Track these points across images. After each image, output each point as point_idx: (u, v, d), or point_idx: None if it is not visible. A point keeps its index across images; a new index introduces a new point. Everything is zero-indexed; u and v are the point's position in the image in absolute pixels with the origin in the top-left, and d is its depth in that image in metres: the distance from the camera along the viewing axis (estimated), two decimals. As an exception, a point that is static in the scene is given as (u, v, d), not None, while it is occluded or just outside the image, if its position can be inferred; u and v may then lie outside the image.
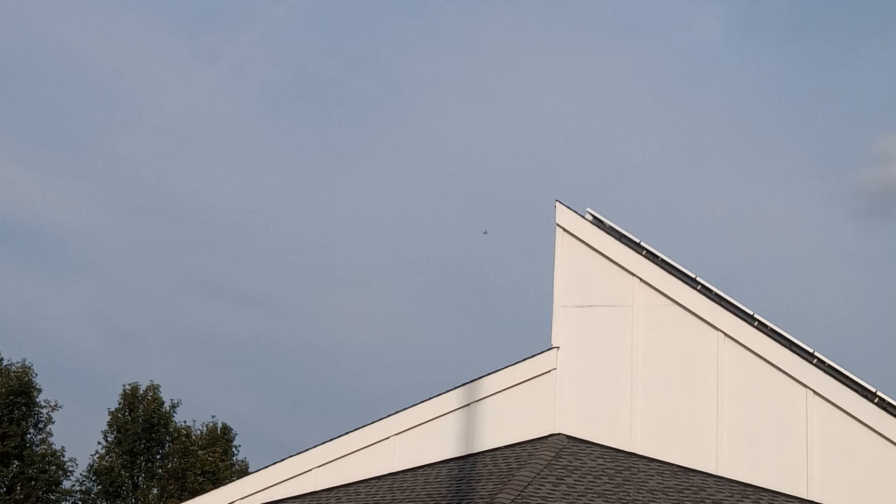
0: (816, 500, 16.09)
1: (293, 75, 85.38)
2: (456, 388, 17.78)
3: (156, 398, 47.97)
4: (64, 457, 46.06)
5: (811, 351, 17.61)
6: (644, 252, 17.91)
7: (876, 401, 16.93)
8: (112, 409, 47.69)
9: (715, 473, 16.56)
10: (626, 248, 17.74)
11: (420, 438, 17.75)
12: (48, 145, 78.67)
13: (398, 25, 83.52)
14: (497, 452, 17.26)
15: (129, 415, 47.54)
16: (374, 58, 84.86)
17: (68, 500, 46.48)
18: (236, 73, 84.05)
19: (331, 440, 18.08)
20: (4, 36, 76.83)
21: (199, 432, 49.28)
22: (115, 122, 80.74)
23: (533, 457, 16.44)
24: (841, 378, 17.11)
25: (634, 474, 16.26)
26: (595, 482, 15.83)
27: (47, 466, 45.14)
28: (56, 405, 46.37)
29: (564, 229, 17.94)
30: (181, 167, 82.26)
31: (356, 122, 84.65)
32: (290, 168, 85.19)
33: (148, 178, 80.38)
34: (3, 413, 44.55)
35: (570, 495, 15.29)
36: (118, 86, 79.90)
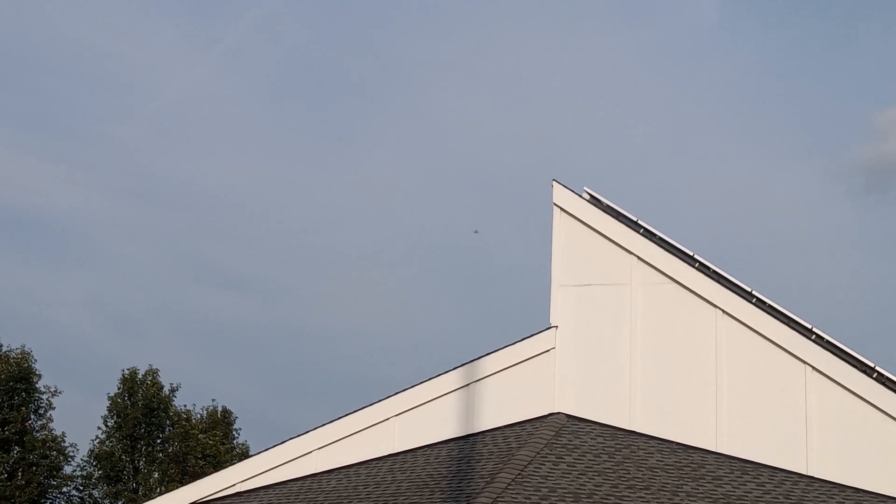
0: (816, 476, 16.12)
1: (291, 61, 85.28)
2: (455, 368, 17.79)
3: (155, 382, 47.99)
4: (65, 442, 46.12)
5: (809, 327, 17.63)
6: (642, 230, 17.91)
7: (874, 376, 16.96)
8: (112, 395, 47.75)
9: (714, 450, 16.59)
10: (623, 226, 17.74)
11: (420, 419, 17.77)
12: (46, 133, 78.62)
13: (396, 9, 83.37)
14: (497, 432, 17.29)
15: (129, 399, 47.57)
16: (372, 42, 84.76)
17: (69, 486, 46.56)
18: (234, 59, 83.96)
19: (331, 422, 18.10)
20: (2, 24, 76.70)
21: (199, 416, 49.34)
22: (113, 108, 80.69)
23: (533, 436, 16.47)
24: (839, 354, 17.13)
25: (634, 452, 16.30)
26: (595, 460, 15.87)
27: (48, 452, 45.18)
28: (56, 391, 46.41)
29: (562, 209, 17.93)
30: (179, 154, 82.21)
31: (354, 106, 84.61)
32: (288, 153, 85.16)
33: (146, 165, 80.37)
34: (3, 399, 44.59)
35: (570, 474, 15.32)
36: (116, 73, 79.81)
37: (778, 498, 15.19)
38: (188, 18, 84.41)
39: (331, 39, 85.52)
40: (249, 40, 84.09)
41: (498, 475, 14.97)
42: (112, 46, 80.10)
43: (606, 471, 15.55)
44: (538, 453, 15.87)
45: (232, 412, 50.32)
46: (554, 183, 18.02)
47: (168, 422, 48.13)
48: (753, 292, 17.88)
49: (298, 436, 18.16)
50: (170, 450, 47.68)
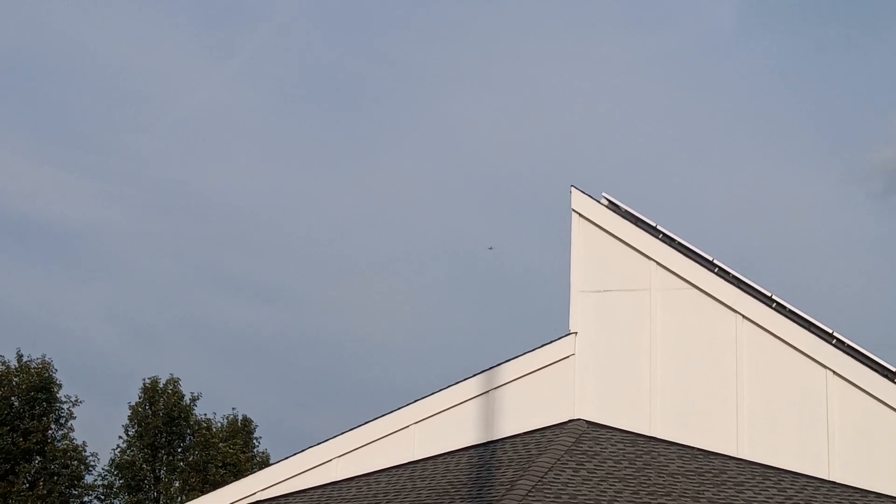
0: (837, 481, 16.06)
1: (307, 70, 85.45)
2: (475, 375, 17.78)
3: (176, 392, 48.07)
4: (86, 452, 46.23)
5: (830, 331, 17.55)
6: (661, 236, 17.87)
7: (896, 380, 16.88)
8: (132, 404, 47.83)
9: (735, 456, 16.53)
10: (642, 232, 17.70)
11: (440, 426, 17.75)
12: (64, 144, 78.93)
13: (410, 17, 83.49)
14: (517, 439, 17.26)
15: (150, 409, 47.66)
16: (387, 50, 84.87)
17: (91, 495, 46.66)
18: (250, 69, 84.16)
19: (350, 430, 18.10)
20: (20, 34, 77.04)
21: (219, 425, 49.40)
22: (131, 119, 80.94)
23: (553, 443, 16.44)
24: (861, 358, 17.05)
25: (655, 458, 16.25)
26: (615, 467, 15.83)
27: (69, 462, 45.27)
28: (77, 400, 46.53)
29: (580, 214, 17.91)
30: (197, 163, 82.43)
31: (371, 114, 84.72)
32: (305, 162, 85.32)
33: (164, 175, 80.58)
34: (24, 409, 44.73)
35: (590, 480, 15.28)
36: (133, 83, 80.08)
37: (799, 503, 15.12)
38: (205, 29, 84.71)
39: (345, 48, 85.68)
40: (264, 50, 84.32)
41: (518, 482, 14.95)
42: (130, 57, 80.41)
43: (627, 477, 15.51)
44: (558, 460, 15.84)
45: (252, 420, 50.42)
46: (572, 189, 18.00)
47: (189, 431, 48.20)
48: (773, 297, 17.81)
49: (318, 444, 18.17)
50: (190, 459, 47.75)
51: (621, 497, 14.79)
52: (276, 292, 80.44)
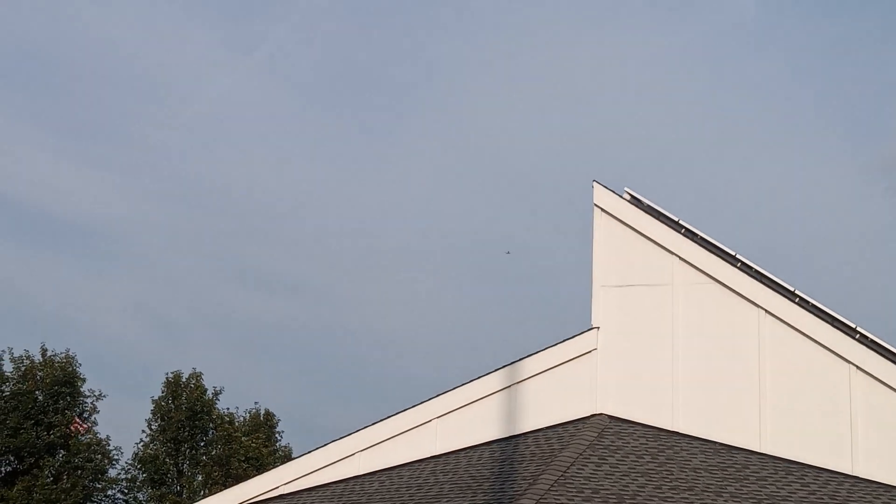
0: (861, 476, 16.01)
1: (328, 63, 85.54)
2: (497, 369, 17.79)
3: (199, 386, 48.21)
4: (109, 445, 46.42)
5: (853, 326, 17.50)
6: (683, 230, 17.84)
7: (920, 375, 16.81)
8: (156, 398, 47.99)
9: (758, 451, 16.50)
10: (664, 226, 17.68)
11: (462, 421, 17.77)
12: (88, 139, 79.22)
13: (431, 10, 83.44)
14: (539, 433, 17.27)
15: (173, 403, 47.81)
16: (408, 44, 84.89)
17: (114, 489, 46.85)
18: (272, 63, 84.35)
19: (373, 424, 18.13)
20: (43, 30, 77.34)
21: (242, 419, 49.54)
22: (154, 114, 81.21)
23: (575, 437, 16.44)
24: (884, 353, 17.00)
25: (677, 453, 16.24)
26: (638, 461, 15.82)
27: (93, 455, 45.47)
28: (100, 395, 46.76)
29: (603, 209, 17.89)
30: (219, 157, 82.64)
31: (392, 108, 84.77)
32: (327, 156, 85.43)
33: (186, 169, 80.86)
34: (48, 403, 44.94)
35: (613, 475, 15.28)
36: (155, 78, 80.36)
37: (823, 498, 15.09)
38: (226, 23, 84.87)
39: (367, 42, 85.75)
40: (286, 44, 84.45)
41: (541, 477, 14.96)
42: (152, 51, 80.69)
43: (650, 472, 15.50)
44: (581, 454, 15.84)
45: (274, 415, 50.55)
46: (594, 184, 17.98)
47: (211, 425, 48.34)
48: (796, 291, 17.77)
49: (341, 438, 18.21)
50: (213, 453, 47.88)
51: (644, 492, 14.79)
52: (298, 286, 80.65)
